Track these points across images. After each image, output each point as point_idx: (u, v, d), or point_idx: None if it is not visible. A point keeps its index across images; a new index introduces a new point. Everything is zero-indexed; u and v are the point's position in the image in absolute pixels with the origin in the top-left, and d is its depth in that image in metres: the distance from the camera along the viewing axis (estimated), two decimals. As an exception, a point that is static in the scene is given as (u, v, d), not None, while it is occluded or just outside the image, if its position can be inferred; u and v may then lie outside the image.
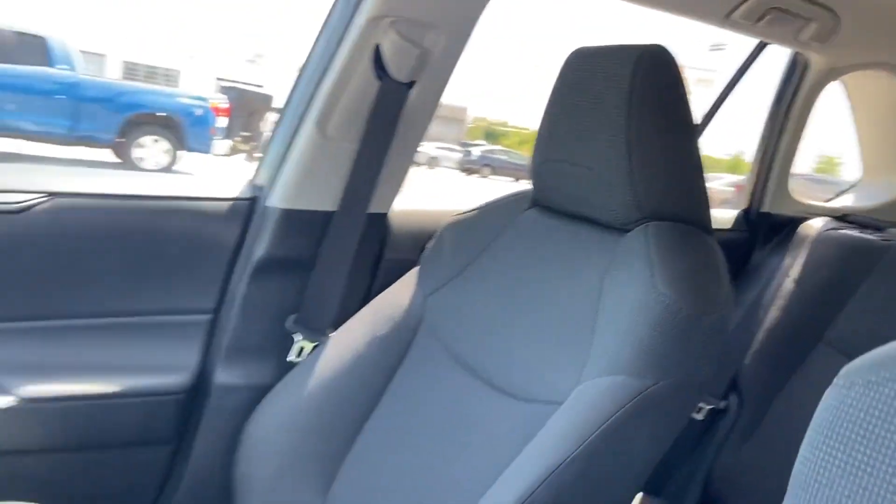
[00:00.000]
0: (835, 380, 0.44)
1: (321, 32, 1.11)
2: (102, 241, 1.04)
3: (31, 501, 0.90)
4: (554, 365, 0.87)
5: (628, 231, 0.89)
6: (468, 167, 18.44)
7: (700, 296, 0.79)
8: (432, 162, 17.96)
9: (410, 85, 1.10)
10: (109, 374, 1.05)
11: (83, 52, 9.36)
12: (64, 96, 8.32)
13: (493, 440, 0.88)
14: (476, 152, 19.40)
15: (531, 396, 0.87)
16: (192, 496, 1.11)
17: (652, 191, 0.87)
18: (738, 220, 1.61)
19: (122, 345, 1.08)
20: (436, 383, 1.01)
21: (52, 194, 1.00)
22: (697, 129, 1.47)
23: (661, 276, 0.80)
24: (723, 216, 1.61)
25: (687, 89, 0.89)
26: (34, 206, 0.99)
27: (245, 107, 11.02)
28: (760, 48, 1.44)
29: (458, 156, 19.27)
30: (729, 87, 1.46)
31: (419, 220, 1.26)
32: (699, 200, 0.91)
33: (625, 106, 0.86)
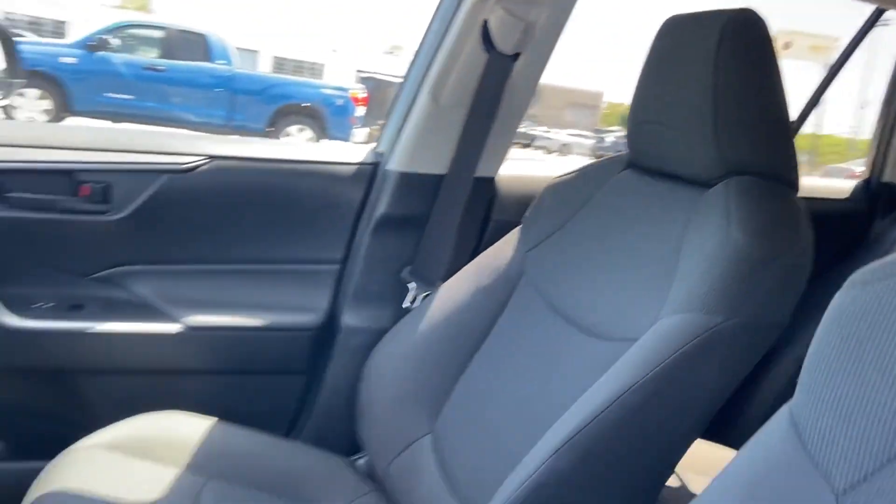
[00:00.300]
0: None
1: (436, 12, 1.24)
2: (251, 197, 1.23)
3: (192, 412, 1.10)
4: (635, 307, 0.94)
5: (712, 186, 0.94)
6: (601, 154, 18.13)
7: (773, 240, 0.83)
8: (564, 149, 17.83)
9: (515, 57, 1.20)
10: (256, 311, 1.25)
11: (239, 48, 10.14)
12: (221, 89, 9.07)
13: (574, 376, 0.97)
14: (609, 139, 19.03)
15: (612, 336, 0.95)
16: (323, 419, 1.28)
17: (736, 148, 0.92)
18: (856, 190, 1.57)
19: (266, 287, 1.27)
20: (531, 327, 1.11)
21: (212, 157, 1.20)
22: (810, 102, 1.46)
23: (736, 223, 0.85)
24: (841, 186, 1.58)
25: (777, 52, 0.93)
26: (198, 166, 1.19)
27: (382, 96, 11.51)
28: (877, 15, 1.40)
29: (591, 142, 18.99)
30: (843, 58, 1.44)
31: (525, 184, 1.36)
32: (785, 157, 0.95)
33: (711, 66, 0.91)
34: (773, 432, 0.52)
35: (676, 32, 0.99)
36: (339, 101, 9.44)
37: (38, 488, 0.92)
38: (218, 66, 9.22)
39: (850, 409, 0.46)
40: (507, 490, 0.81)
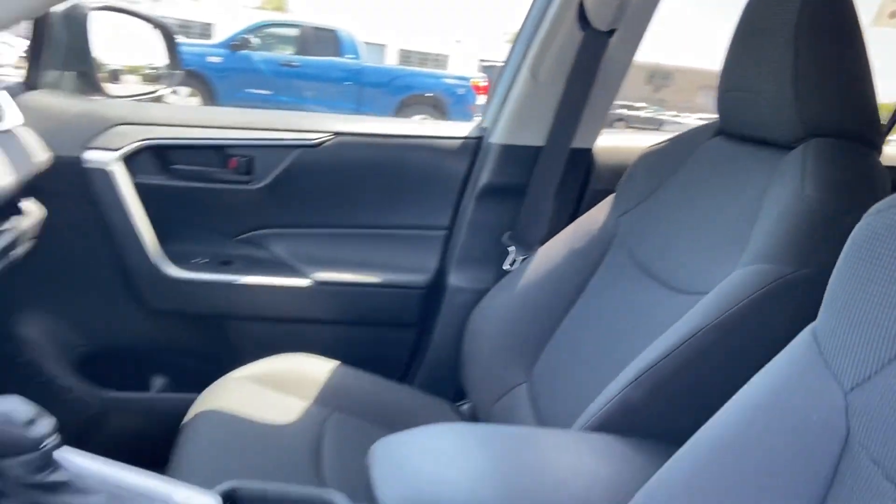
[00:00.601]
0: None
1: (535, -3, 1.34)
2: (369, 169, 1.39)
3: (318, 356, 1.27)
4: (716, 263, 1.01)
5: (793, 149, 0.99)
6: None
7: (845, 197, 0.87)
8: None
9: (610, 34, 1.27)
10: (373, 270, 1.41)
11: (367, 43, 10.55)
12: (350, 83, 9.51)
13: (657, 329, 1.05)
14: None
15: (693, 290, 1.02)
16: (432, 368, 1.43)
17: (816, 111, 0.96)
18: None
19: (382, 249, 1.43)
20: (620, 286, 1.19)
21: (336, 133, 1.37)
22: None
23: (809, 179, 0.90)
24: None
25: (857, 13, 0.96)
26: (325, 142, 1.37)
27: (503, 84, 11.60)
28: None
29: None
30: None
31: (622, 154, 1.43)
32: (866, 120, 0.97)
33: (793, 31, 0.95)
34: (796, 347, 0.59)
35: (762, 1, 1.03)
36: (461, 91, 9.65)
37: (196, 411, 1.12)
38: (347, 61, 9.67)
39: (860, 318, 0.53)
40: (586, 415, 0.91)
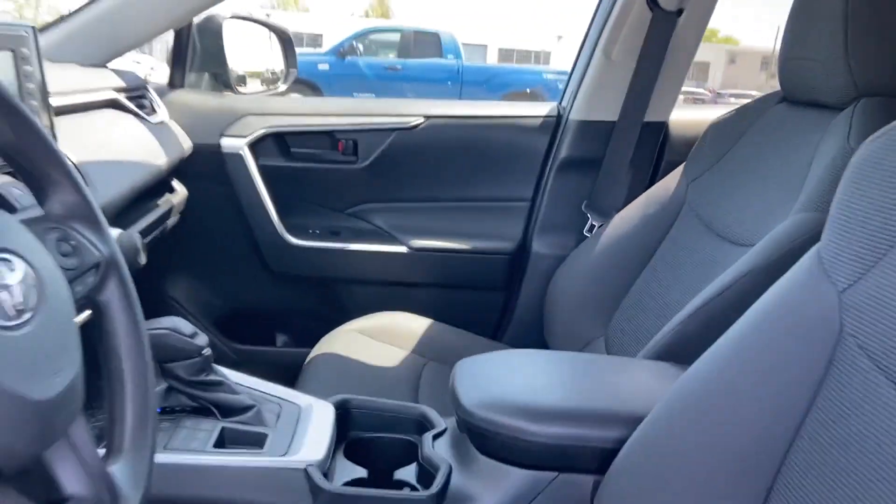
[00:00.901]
0: None
1: (609, -19, 1.45)
2: (458, 147, 1.55)
3: (418, 315, 1.44)
4: (772, 216, 1.09)
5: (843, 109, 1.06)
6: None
7: None
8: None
9: (679, 13, 1.37)
10: (463, 238, 1.57)
11: (468, 44, 10.76)
12: (450, 83, 9.76)
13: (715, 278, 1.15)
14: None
15: (751, 242, 1.11)
16: (518, 327, 1.57)
17: (867, 72, 1.03)
18: None
19: (471, 220, 1.59)
20: (689, 246, 1.29)
21: (428, 117, 1.54)
22: None
23: (854, 134, 0.97)
24: None
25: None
26: (418, 125, 1.54)
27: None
28: None
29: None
30: None
31: (697, 127, 1.51)
32: None
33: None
34: (801, 262, 0.69)
35: None
36: (561, 85, 9.66)
37: (313, 355, 1.31)
38: (448, 61, 9.93)
39: (854, 225, 0.63)
40: (647, 347, 1.03)
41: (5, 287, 0.43)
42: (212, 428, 0.81)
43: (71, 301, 0.50)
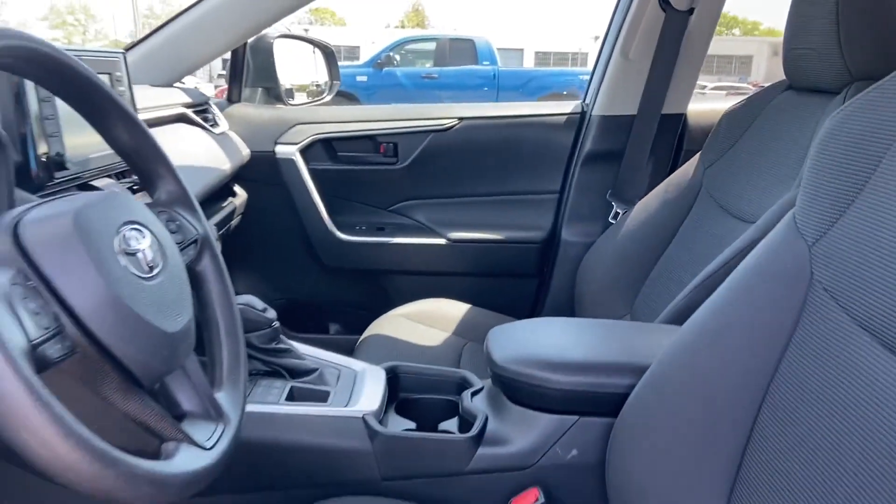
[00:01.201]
0: None
1: (624, -13, 1.57)
2: (490, 146, 1.68)
3: (458, 301, 1.58)
4: (776, 196, 1.19)
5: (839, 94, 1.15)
6: None
7: None
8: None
9: (690, 12, 1.48)
10: (497, 230, 1.70)
11: (505, 49, 10.85)
12: (486, 88, 9.87)
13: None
14: None
15: (755, 219, 1.21)
16: (551, 310, 1.69)
17: (858, 58, 1.12)
18: None
19: (504, 212, 1.71)
20: (705, 226, 1.39)
21: (461, 119, 1.67)
22: None
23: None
24: None
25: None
26: (452, 126, 1.68)
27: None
28: None
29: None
30: None
31: (713, 116, 1.61)
32: None
33: None
34: (779, 225, 0.80)
35: None
36: (597, 85, 9.67)
37: (363, 337, 1.46)
38: (484, 67, 10.05)
39: (820, 187, 0.74)
40: (660, 316, 1.14)
41: (140, 249, 0.58)
42: (283, 386, 0.96)
43: (183, 264, 0.65)
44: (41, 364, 0.47)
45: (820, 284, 0.72)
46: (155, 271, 0.58)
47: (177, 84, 1.53)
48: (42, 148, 0.80)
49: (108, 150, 0.72)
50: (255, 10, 1.43)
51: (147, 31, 1.51)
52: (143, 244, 0.58)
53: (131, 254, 0.57)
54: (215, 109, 1.60)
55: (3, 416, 0.42)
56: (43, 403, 0.43)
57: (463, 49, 10.30)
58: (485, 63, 10.14)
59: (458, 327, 1.51)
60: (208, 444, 0.60)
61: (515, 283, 1.74)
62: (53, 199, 0.56)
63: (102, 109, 0.67)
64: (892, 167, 0.65)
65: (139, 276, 0.56)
